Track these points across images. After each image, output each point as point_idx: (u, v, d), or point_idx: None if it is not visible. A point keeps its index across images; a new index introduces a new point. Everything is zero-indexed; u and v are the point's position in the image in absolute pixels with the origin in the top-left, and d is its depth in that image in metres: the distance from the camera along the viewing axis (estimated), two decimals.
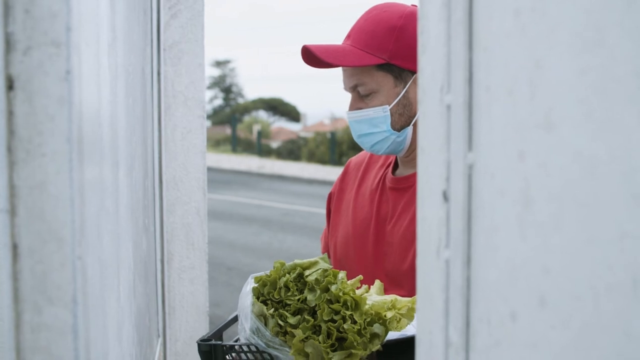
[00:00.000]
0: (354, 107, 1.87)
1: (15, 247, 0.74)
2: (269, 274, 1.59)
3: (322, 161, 25.42)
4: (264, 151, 29.05)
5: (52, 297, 0.75)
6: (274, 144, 32.21)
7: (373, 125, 1.84)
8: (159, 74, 2.26)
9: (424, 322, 0.79)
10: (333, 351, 1.48)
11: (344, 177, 2.11)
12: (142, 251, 1.72)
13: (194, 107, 2.40)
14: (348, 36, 1.88)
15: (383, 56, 1.80)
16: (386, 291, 1.75)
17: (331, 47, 1.83)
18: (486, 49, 0.67)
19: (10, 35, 0.73)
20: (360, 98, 1.86)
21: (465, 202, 0.70)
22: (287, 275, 1.57)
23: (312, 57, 1.82)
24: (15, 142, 0.74)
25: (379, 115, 1.83)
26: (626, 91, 0.53)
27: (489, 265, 0.67)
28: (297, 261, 1.61)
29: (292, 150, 28.23)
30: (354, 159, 2.14)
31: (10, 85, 0.73)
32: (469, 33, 0.69)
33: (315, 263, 1.61)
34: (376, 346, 1.50)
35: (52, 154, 0.74)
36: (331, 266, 1.60)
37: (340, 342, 1.50)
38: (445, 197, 0.73)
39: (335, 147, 25.27)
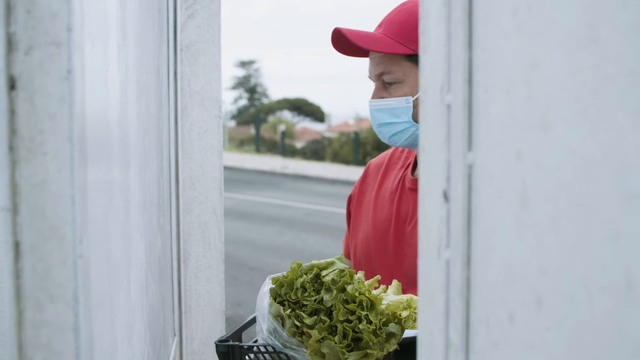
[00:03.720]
0: (376, 95, 1.87)
1: (17, 245, 0.75)
2: (286, 274, 1.59)
3: (346, 161, 25.39)
4: (288, 151, 29.08)
5: (53, 294, 0.76)
6: (298, 144, 32.23)
7: (394, 115, 1.83)
8: (175, 74, 2.27)
9: (425, 322, 0.79)
10: (349, 351, 1.49)
11: (364, 179, 2.11)
12: (156, 250, 1.73)
13: (211, 107, 2.41)
14: (379, 25, 1.87)
15: (413, 47, 1.80)
16: (405, 292, 1.75)
17: (363, 33, 1.83)
18: (484, 49, 0.67)
19: (12, 35, 0.74)
20: (384, 87, 1.85)
21: (465, 202, 0.70)
22: (304, 275, 1.57)
23: (342, 42, 1.82)
24: (17, 141, 0.75)
25: (402, 105, 1.82)
26: (619, 89, 0.52)
27: (488, 266, 0.67)
28: (314, 262, 1.61)
29: (316, 151, 28.23)
30: (374, 161, 2.14)
31: (12, 85, 0.74)
32: (468, 33, 0.69)
33: (332, 263, 1.61)
34: (392, 346, 1.50)
35: (54, 153, 0.75)
36: (347, 266, 1.60)
37: (356, 343, 1.50)
38: (446, 196, 0.73)
39: (359, 147, 25.25)
